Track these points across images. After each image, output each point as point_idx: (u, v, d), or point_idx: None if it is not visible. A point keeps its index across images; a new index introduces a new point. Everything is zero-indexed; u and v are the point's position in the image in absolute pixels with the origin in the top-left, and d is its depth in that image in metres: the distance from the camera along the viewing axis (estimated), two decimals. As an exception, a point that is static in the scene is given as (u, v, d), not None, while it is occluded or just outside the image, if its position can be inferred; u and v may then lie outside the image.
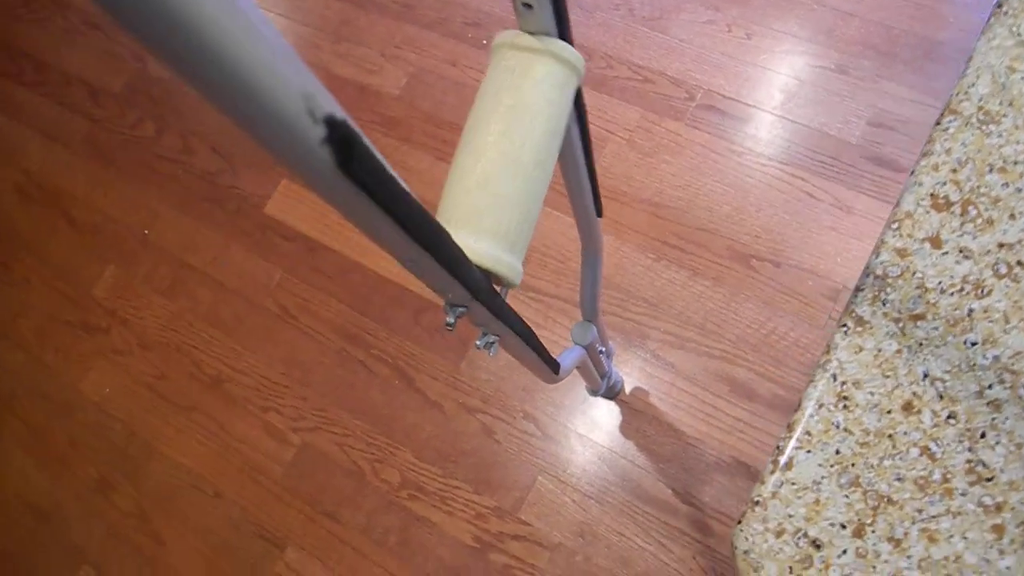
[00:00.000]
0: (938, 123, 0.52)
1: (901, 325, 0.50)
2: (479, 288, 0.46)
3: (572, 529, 1.41)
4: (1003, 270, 0.49)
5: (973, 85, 0.52)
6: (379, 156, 0.31)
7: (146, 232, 1.89)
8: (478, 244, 0.47)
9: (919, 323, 0.49)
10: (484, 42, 1.82)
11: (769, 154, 1.57)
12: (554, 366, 0.79)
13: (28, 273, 1.96)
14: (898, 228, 0.51)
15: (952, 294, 0.49)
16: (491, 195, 0.48)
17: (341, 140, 0.27)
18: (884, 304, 0.50)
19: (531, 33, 0.49)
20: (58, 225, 1.98)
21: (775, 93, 1.62)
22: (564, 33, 0.50)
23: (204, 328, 1.76)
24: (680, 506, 1.39)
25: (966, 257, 0.50)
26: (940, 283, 0.49)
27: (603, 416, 1.47)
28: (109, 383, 1.79)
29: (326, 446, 1.58)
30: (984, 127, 0.51)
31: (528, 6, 0.47)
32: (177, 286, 1.81)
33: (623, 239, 1.56)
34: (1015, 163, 0.50)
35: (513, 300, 1.55)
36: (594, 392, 1.41)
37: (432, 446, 1.53)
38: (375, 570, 1.48)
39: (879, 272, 0.51)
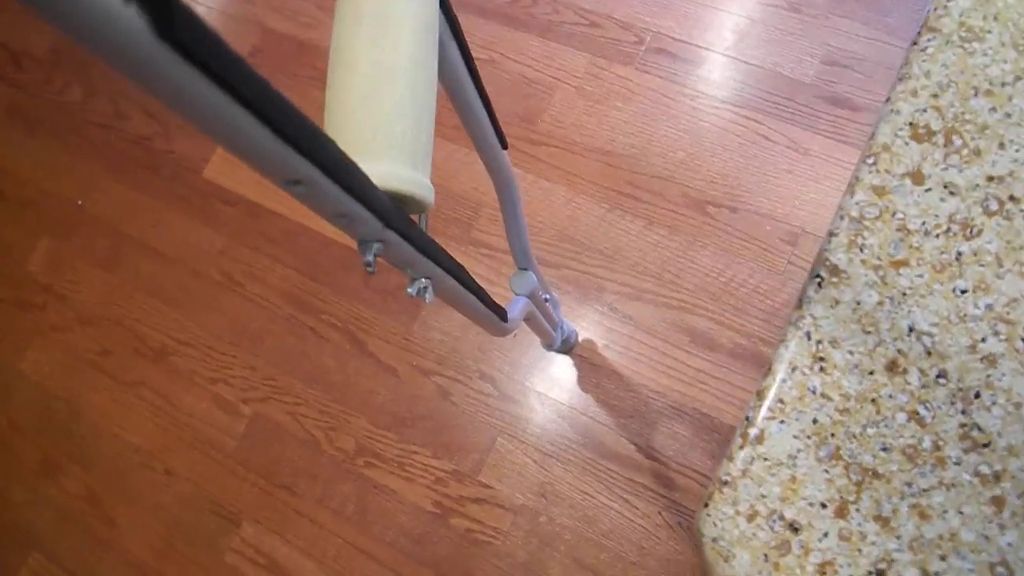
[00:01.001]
0: (915, 43, 0.47)
1: (882, 273, 0.44)
2: (388, 213, 0.41)
3: (534, 490, 1.38)
4: (993, 206, 0.43)
5: None
6: (211, 26, 0.24)
7: (80, 202, 1.80)
8: (376, 166, 0.41)
9: (902, 270, 0.44)
10: (425, -10, 1.75)
11: (722, 97, 1.53)
12: (500, 313, 0.74)
13: (-43, 250, 1.87)
14: (874, 163, 0.46)
15: (938, 236, 0.44)
16: (376, 109, 0.43)
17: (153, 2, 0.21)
18: (862, 250, 0.45)
19: None
20: (-14, 199, 1.88)
21: (726, 34, 1.57)
22: None
23: (146, 300, 1.69)
24: (643, 461, 1.36)
25: (952, 193, 0.44)
26: (924, 224, 0.44)
27: (561, 373, 1.43)
28: (49, 361, 1.72)
29: (278, 416, 1.53)
30: (967, 45, 0.46)
31: None
32: (115, 257, 1.74)
33: (576, 190, 1.52)
34: (1003, 85, 0.45)
35: (464, 256, 1.50)
36: (549, 346, 1.37)
37: (387, 411, 1.48)
38: (334, 540, 1.44)
39: (854, 214, 0.45)
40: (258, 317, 1.60)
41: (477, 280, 0.63)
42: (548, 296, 1.19)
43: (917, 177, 0.45)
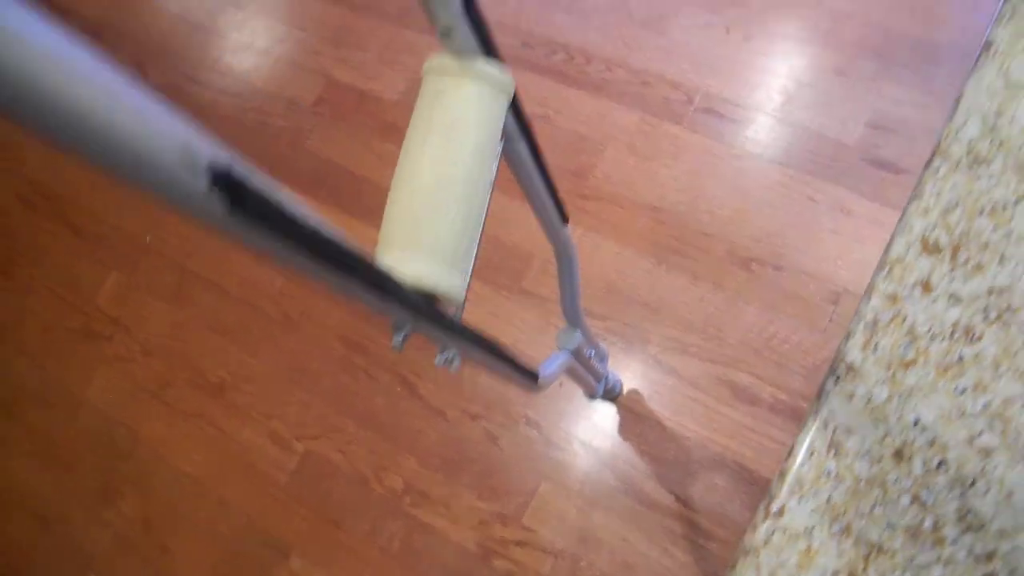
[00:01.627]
0: (928, 165, 0.52)
1: (892, 372, 0.50)
2: (419, 309, 0.47)
3: (575, 535, 1.42)
4: (993, 315, 0.49)
5: (963, 127, 0.52)
6: (274, 193, 0.31)
7: (148, 238, 1.89)
8: (415, 265, 0.48)
9: (910, 370, 0.50)
10: (483, 46, 1.82)
11: (769, 157, 1.57)
12: (531, 376, 0.79)
13: (31, 281, 1.96)
14: (889, 273, 0.51)
15: (943, 340, 0.49)
16: (426, 217, 0.49)
17: (228, 186, 0.27)
18: (875, 350, 0.51)
19: (457, 55, 0.51)
20: (60, 232, 1.98)
21: (774, 95, 1.62)
22: (490, 52, 0.51)
23: (207, 335, 1.76)
24: (683, 511, 1.39)
25: (956, 302, 0.50)
26: (930, 329, 0.50)
27: (605, 421, 1.48)
28: (113, 390, 1.80)
29: (330, 453, 1.59)
30: (973, 169, 0.51)
31: (447, 34, 0.48)
32: (180, 292, 1.82)
33: (624, 244, 1.57)
34: (1004, 207, 0.50)
35: (515, 305, 1.55)
36: (591, 396, 1.42)
37: (435, 453, 1.54)
38: (380, 577, 1.49)
39: (869, 318, 0.51)
40: (314, 357, 1.67)
41: (526, 327, 0.69)
42: (594, 351, 1.24)
43: (926, 287, 0.50)
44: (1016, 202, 0.49)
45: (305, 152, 1.84)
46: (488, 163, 0.52)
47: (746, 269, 1.50)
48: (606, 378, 1.38)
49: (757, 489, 1.39)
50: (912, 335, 0.49)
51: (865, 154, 1.54)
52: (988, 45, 0.52)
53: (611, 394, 1.45)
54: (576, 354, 1.06)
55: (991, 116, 0.51)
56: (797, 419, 1.41)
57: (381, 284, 0.42)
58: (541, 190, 0.68)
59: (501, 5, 1.84)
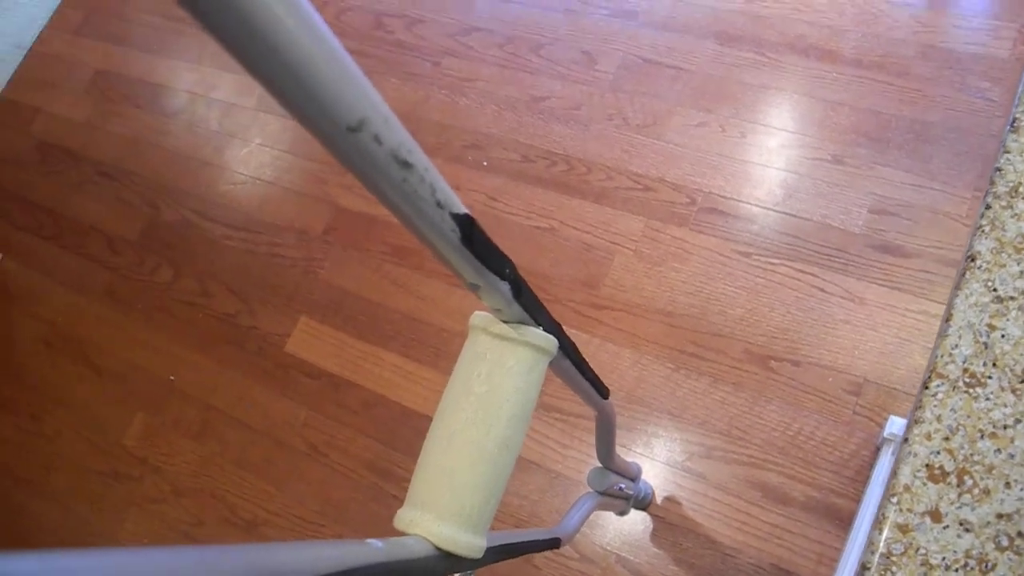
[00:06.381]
0: (926, 387, 0.53)
1: None
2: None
3: (619, 654, 1.40)
4: (1004, 542, 0.49)
5: (956, 346, 0.53)
6: (490, 240, 0.44)
7: (172, 378, 1.92)
8: (440, 528, 0.50)
9: None
10: (484, 163, 1.86)
11: (776, 251, 1.59)
12: (553, 544, 0.80)
13: (59, 425, 1.99)
14: (897, 502, 0.52)
15: (957, 570, 0.49)
16: (456, 482, 0.51)
17: (464, 224, 0.40)
18: None
19: (497, 312, 0.52)
20: (84, 375, 2.01)
21: (775, 189, 1.65)
22: (538, 319, 0.53)
23: (235, 471, 1.77)
24: (725, 622, 1.38)
25: (967, 530, 0.50)
26: (944, 559, 0.50)
27: (639, 533, 1.47)
28: (146, 532, 1.80)
29: (365, 584, 1.58)
30: (971, 390, 0.52)
31: (475, 290, 0.49)
32: (205, 430, 1.84)
33: (641, 351, 1.58)
34: (1004, 427, 0.51)
35: (538, 421, 1.56)
36: (622, 514, 1.41)
37: (471, 577, 1.52)
38: None
39: (883, 550, 0.51)
40: (342, 485, 1.67)
41: (551, 442, 0.70)
42: (623, 485, 1.24)
43: (935, 516, 0.50)
44: (1016, 422, 0.50)
45: (319, 281, 1.87)
46: (522, 428, 0.54)
47: (764, 367, 1.51)
48: (637, 490, 1.38)
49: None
50: (927, 566, 0.50)
51: (870, 241, 1.55)
52: (972, 258, 0.53)
53: (643, 504, 1.45)
54: (604, 492, 1.07)
55: (983, 332, 0.52)
56: (831, 516, 1.40)
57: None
58: (583, 383, 0.70)
59: (500, 121, 1.89)
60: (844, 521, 1.39)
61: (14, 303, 2.20)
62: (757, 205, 1.64)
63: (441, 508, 0.51)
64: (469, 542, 0.51)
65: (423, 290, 1.77)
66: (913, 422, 0.51)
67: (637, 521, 1.48)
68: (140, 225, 2.14)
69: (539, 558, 1.50)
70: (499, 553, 0.63)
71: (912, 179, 1.59)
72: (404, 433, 1.67)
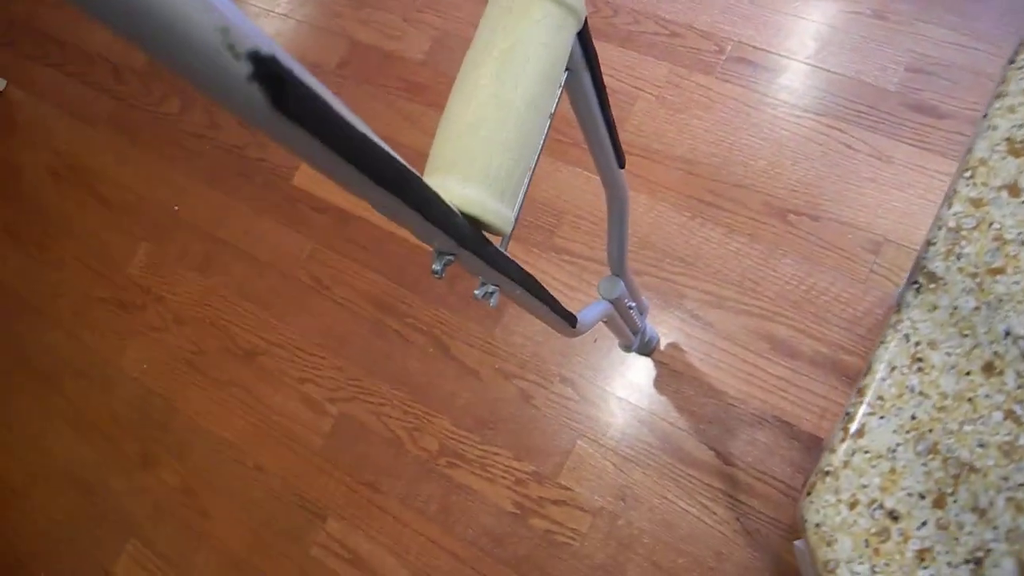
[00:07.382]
0: (1012, 61, 0.48)
1: (979, 280, 0.46)
2: (464, 236, 0.44)
3: (613, 493, 1.41)
4: None
5: None
6: (321, 93, 0.29)
7: (176, 208, 1.89)
8: (464, 190, 0.45)
9: (998, 277, 0.46)
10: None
11: (804, 105, 1.53)
12: (569, 318, 0.77)
13: (63, 253, 1.97)
14: (971, 176, 0.47)
15: None
16: (480, 139, 0.46)
17: (270, 77, 0.26)
18: (959, 258, 0.47)
19: None
20: (90, 204, 1.99)
21: (808, 41, 1.57)
22: None
23: (238, 302, 1.76)
24: (722, 467, 1.37)
25: None
26: (1020, 234, 0.46)
27: (642, 378, 1.45)
28: (147, 359, 1.80)
29: (364, 416, 1.59)
30: None
31: None
32: (210, 261, 1.82)
33: (657, 198, 1.53)
34: None
35: (547, 263, 1.53)
36: (627, 348, 1.39)
37: (470, 413, 1.52)
38: (417, 538, 1.49)
39: (952, 224, 0.47)
40: (345, 320, 1.66)
41: (559, 284, 0.66)
42: (634, 304, 1.21)
43: (1014, 190, 0.46)
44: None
45: (331, 115, 1.82)
46: (551, 90, 0.49)
47: (783, 220, 1.47)
48: (643, 331, 1.36)
49: (798, 444, 1.36)
50: (1000, 240, 0.46)
51: (904, 99, 1.49)
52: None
53: (647, 348, 1.43)
54: (616, 304, 1.04)
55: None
56: (838, 372, 1.37)
57: (428, 205, 0.39)
58: (601, 128, 0.65)
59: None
60: (851, 378, 1.37)
61: (20, 132, 2.15)
62: (788, 57, 1.57)
63: (465, 168, 0.45)
64: (497, 210, 0.46)
65: (435, 127, 1.72)
66: (995, 97, 0.47)
67: (640, 367, 1.46)
68: (149, 54, 2.07)
69: (539, 397, 1.49)
70: (523, 276, 0.59)
71: (955, 38, 1.51)
72: (411, 270, 1.64)
